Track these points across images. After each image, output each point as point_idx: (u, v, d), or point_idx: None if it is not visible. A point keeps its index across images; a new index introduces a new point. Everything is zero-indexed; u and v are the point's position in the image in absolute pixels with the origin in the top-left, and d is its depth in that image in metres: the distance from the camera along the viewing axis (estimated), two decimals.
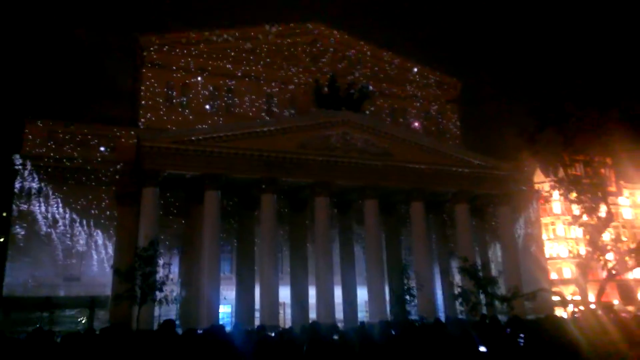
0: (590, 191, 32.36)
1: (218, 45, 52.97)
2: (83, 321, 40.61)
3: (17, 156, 42.19)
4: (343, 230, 50.57)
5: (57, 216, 42.21)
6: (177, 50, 51.22)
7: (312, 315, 42.93)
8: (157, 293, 34.77)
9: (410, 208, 49.37)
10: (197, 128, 45.93)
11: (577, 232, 59.65)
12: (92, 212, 43.05)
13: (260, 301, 42.31)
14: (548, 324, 13.26)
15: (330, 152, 46.21)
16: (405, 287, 40.98)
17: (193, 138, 42.50)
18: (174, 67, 50.82)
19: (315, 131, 46.37)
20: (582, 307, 34.47)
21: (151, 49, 50.39)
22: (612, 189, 66.32)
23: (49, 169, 42.41)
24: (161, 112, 49.34)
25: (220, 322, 37.77)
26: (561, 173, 38.57)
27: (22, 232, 41.29)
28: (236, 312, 44.62)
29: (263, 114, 53.11)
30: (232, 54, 53.26)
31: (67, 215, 42.44)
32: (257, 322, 38.84)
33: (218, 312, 40.80)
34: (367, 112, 54.28)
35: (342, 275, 48.27)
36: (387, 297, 45.68)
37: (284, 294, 45.09)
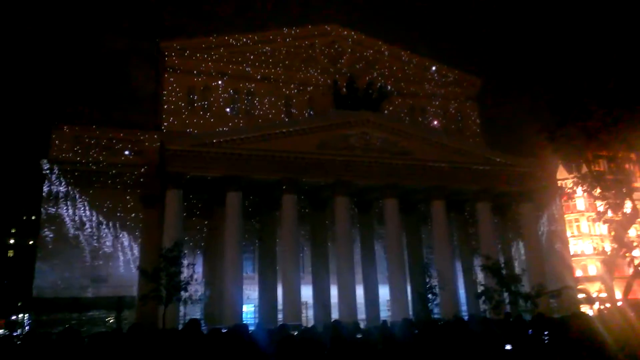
0: (615, 187, 31.85)
1: (237, 49, 53.61)
2: (111, 321, 41.56)
3: (45, 161, 43.41)
4: (364, 229, 50.65)
5: (84, 219, 43.30)
6: (198, 54, 52.05)
7: (334, 314, 43.14)
8: (182, 293, 35.39)
9: (431, 207, 49.21)
10: (218, 131, 46.57)
11: (602, 228, 58.56)
12: (118, 214, 44.04)
13: (283, 300, 42.70)
14: (574, 322, 13.19)
15: (350, 152, 46.34)
16: (427, 286, 40.88)
17: (214, 141, 43.09)
18: (195, 72, 51.62)
19: (334, 131, 46.57)
20: (608, 305, 33.96)
21: (172, 54, 51.29)
22: (638, 184, 64.92)
23: (76, 173, 43.54)
24: (183, 116, 50.17)
25: (244, 322, 38.26)
26: (584, 169, 37.99)
27: (51, 235, 42.46)
28: (259, 312, 45.11)
29: (282, 115, 53.55)
30: (252, 57, 53.83)
31: (94, 218, 43.50)
32: (279, 321, 39.23)
33: (241, 312, 41.31)
34: (386, 111, 54.26)
35: (363, 274, 48.41)
36: (409, 296, 45.64)
37: (306, 293, 45.42)
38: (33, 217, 71.01)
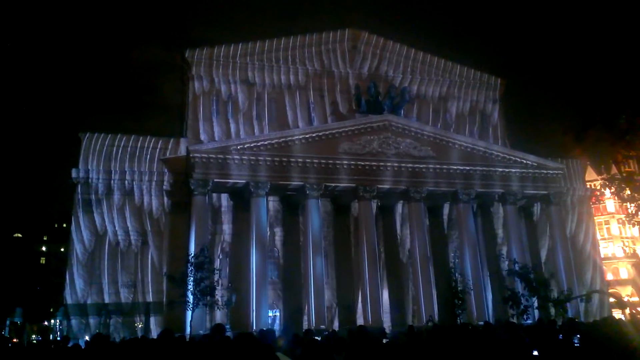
0: None
1: (260, 57, 54.05)
2: (140, 326, 42.31)
3: (75, 170, 44.54)
4: (387, 233, 50.43)
5: (113, 226, 44.23)
6: (221, 63, 52.65)
7: (360, 318, 43.05)
8: (209, 298, 35.84)
9: (456, 210, 48.79)
10: (242, 138, 47.13)
11: (633, 230, 57.20)
12: (146, 220, 44.89)
13: (307, 305, 42.79)
14: (605, 327, 12.94)
15: (372, 156, 46.32)
16: (454, 291, 40.52)
17: (239, 147, 43.64)
18: (219, 80, 52.25)
19: (357, 136, 46.63)
20: None
21: (197, 63, 51.97)
22: None
23: (104, 181, 44.60)
24: (207, 124, 50.79)
25: (269, 326, 38.51)
26: (614, 170, 37.17)
27: (81, 242, 43.47)
28: (283, 316, 45.31)
29: (305, 121, 53.68)
30: (274, 64, 54.24)
31: (122, 225, 44.42)
32: (304, 326, 39.32)
33: (267, 316, 41.63)
34: (409, 115, 54.04)
35: (388, 278, 48.20)
36: (435, 301, 45.21)
37: (330, 297, 45.44)
38: (64, 225, 72.83)
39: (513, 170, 49.39)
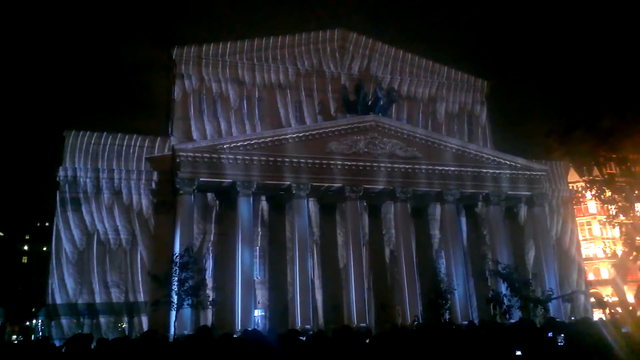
0: (625, 190, 31.64)
1: (248, 55, 53.88)
2: (123, 326, 41.94)
3: (59, 168, 43.97)
4: (374, 233, 50.65)
5: (97, 225, 43.75)
6: (210, 61, 52.32)
7: (345, 318, 43.12)
8: (193, 298, 35.65)
9: (441, 211, 49.15)
10: (229, 137, 46.94)
11: (614, 231, 58.17)
12: (130, 220, 44.49)
13: (293, 305, 42.80)
14: (585, 326, 13.21)
15: (359, 156, 46.51)
16: (438, 291, 40.83)
17: (225, 146, 43.49)
18: (206, 78, 51.91)
19: (344, 136, 46.78)
20: (619, 309, 33.71)
21: (184, 61, 51.56)
22: None
23: (89, 180, 44.09)
24: (195, 122, 50.44)
25: (254, 326, 38.45)
26: (596, 172, 37.78)
27: (65, 241, 42.92)
28: (269, 316, 45.24)
29: (293, 121, 53.63)
30: (262, 63, 54.10)
31: (106, 224, 43.96)
32: (289, 326, 39.29)
33: (252, 316, 41.51)
34: (399, 116, 54.36)
35: (374, 278, 48.40)
36: (420, 301, 45.53)
37: (316, 297, 45.43)
38: (47, 224, 71.82)
39: (498, 171, 49.93)
